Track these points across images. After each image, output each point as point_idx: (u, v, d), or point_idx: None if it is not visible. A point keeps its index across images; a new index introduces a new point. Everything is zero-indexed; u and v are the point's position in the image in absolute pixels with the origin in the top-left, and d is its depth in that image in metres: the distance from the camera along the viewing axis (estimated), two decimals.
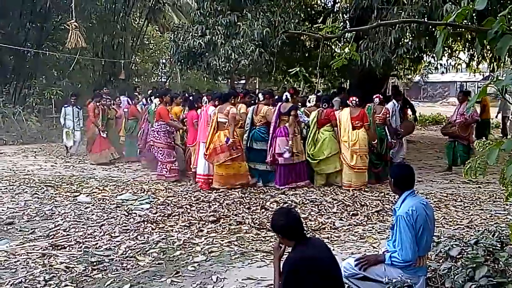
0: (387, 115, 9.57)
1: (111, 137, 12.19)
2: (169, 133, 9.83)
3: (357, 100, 8.88)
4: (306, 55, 12.60)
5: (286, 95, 9.04)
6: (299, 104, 9.93)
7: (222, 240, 5.99)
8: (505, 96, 7.86)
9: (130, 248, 5.71)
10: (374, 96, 9.55)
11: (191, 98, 10.63)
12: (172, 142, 9.90)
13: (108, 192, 8.64)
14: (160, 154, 9.69)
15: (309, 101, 9.74)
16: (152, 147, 9.82)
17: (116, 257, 5.44)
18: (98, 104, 11.99)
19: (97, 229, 6.44)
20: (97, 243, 5.89)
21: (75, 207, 7.60)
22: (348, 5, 11.64)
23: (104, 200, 8.07)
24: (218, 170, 8.64)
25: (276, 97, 9.95)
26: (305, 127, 9.18)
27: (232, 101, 8.89)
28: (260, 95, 9.48)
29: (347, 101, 9.04)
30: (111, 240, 6.00)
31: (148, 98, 12.39)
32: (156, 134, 9.71)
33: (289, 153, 8.53)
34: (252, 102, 9.99)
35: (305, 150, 8.88)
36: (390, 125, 9.73)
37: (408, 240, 3.76)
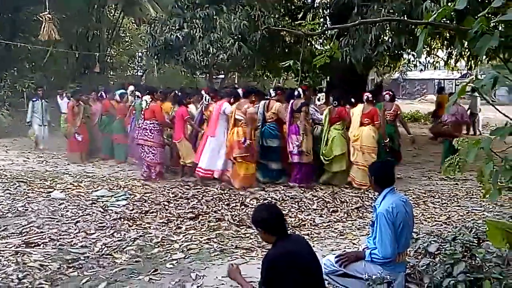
0: (398, 112, 9.55)
1: (91, 136, 11.72)
2: (162, 132, 9.53)
3: (369, 96, 8.81)
4: (286, 50, 12.57)
5: (299, 91, 8.83)
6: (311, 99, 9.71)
7: (201, 237, 5.92)
8: (475, 94, 7.98)
9: (106, 245, 5.61)
10: (385, 93, 9.49)
11: (179, 94, 10.36)
12: (165, 141, 9.64)
13: (83, 188, 8.46)
14: (152, 154, 9.28)
15: (318, 99, 9.56)
16: (142, 146, 9.40)
17: (92, 254, 5.33)
18: (77, 102, 11.49)
19: (72, 226, 6.29)
20: (72, 241, 5.76)
21: (49, 203, 7.41)
22: (328, 1, 11.65)
23: (79, 196, 7.90)
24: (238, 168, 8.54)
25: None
26: (315, 127, 9.06)
27: (253, 99, 8.78)
28: (271, 91, 9.33)
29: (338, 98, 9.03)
30: (87, 238, 5.87)
31: (133, 93, 11.95)
32: (149, 132, 9.30)
33: (298, 149, 8.43)
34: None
35: (319, 149, 8.77)
36: (403, 122, 9.76)
37: (388, 237, 3.78)
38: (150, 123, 9.32)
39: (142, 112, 9.49)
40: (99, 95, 12.32)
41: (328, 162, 8.70)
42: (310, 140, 8.63)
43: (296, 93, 8.79)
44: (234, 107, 8.60)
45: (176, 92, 11.26)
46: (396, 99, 10.21)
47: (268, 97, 9.27)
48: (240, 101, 8.64)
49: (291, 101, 8.73)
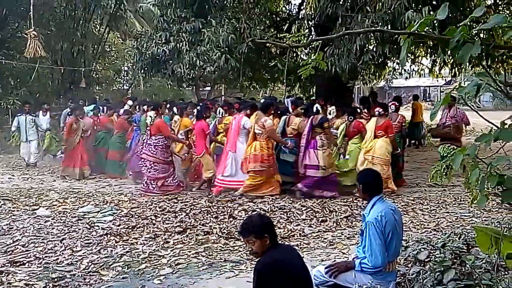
0: (403, 123, 9.60)
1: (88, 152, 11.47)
2: (167, 148, 9.33)
3: (381, 110, 8.89)
4: (272, 61, 12.61)
5: (317, 107, 8.87)
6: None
7: (189, 251, 5.86)
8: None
9: (92, 262, 5.53)
10: (390, 104, 9.51)
11: (198, 108, 10.17)
12: (170, 157, 9.43)
13: (69, 205, 8.35)
14: (153, 169, 9.13)
15: (329, 113, 9.62)
16: (144, 160, 9.25)
17: (78, 272, 5.26)
18: (76, 119, 11.18)
19: (58, 244, 6.21)
20: (58, 258, 5.69)
21: (34, 221, 7.32)
22: (313, 12, 11.74)
23: (65, 213, 7.79)
24: (249, 180, 8.54)
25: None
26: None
27: (271, 112, 8.77)
28: (288, 101, 9.37)
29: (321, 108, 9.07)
30: (73, 255, 5.79)
31: (137, 108, 11.71)
32: (153, 148, 9.16)
33: (315, 164, 8.42)
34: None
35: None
36: (405, 133, 9.82)
37: (378, 246, 3.76)
38: (155, 139, 9.19)
39: (148, 128, 9.36)
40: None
41: (341, 174, 8.77)
42: (329, 155, 8.67)
43: (314, 109, 8.84)
44: (253, 121, 8.60)
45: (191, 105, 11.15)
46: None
47: (287, 109, 9.25)
48: (258, 114, 8.64)
49: (311, 116, 8.77)
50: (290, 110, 9.30)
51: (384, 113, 8.91)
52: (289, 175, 8.85)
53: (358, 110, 9.12)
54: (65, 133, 11.21)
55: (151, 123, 9.24)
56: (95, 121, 11.89)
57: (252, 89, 16.76)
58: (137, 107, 11.60)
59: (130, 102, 12.20)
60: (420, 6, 9.17)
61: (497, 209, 7.22)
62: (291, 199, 8.31)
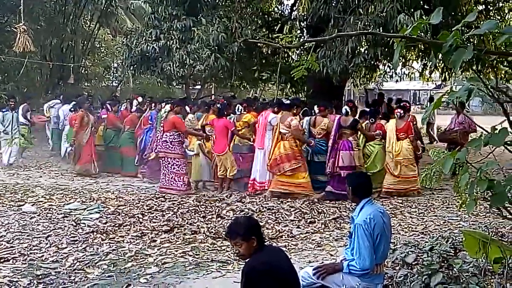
0: (414, 122, 9.64)
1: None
2: (182, 143, 9.27)
3: (401, 112, 8.97)
4: (263, 61, 12.62)
5: (346, 109, 8.95)
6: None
7: (176, 251, 5.82)
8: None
9: (78, 260, 5.48)
10: (396, 111, 9.43)
11: (219, 105, 10.10)
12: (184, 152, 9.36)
13: (55, 201, 8.26)
14: (176, 165, 9.03)
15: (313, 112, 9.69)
16: (164, 158, 9.11)
17: (64, 269, 5.21)
18: (86, 111, 10.97)
19: (43, 241, 6.15)
20: (43, 255, 5.63)
21: (20, 217, 7.23)
22: (305, 13, 11.75)
23: (51, 209, 7.71)
24: (279, 178, 8.50)
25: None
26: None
27: (295, 111, 8.76)
28: (315, 108, 9.30)
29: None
30: (58, 252, 5.74)
31: (153, 105, 11.40)
32: (170, 144, 9.04)
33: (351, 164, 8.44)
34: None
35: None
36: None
37: (366, 249, 3.76)
38: (170, 135, 9.08)
39: (161, 124, 9.28)
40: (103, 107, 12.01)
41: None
42: (361, 155, 8.75)
43: (343, 111, 8.93)
44: (278, 120, 8.58)
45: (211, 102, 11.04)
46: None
47: (313, 112, 9.28)
48: (283, 114, 8.62)
49: (338, 117, 8.83)
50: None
51: (405, 115, 9.02)
52: (323, 174, 8.85)
53: (348, 110, 9.08)
54: (77, 126, 10.78)
55: (164, 117, 9.15)
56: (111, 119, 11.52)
57: (242, 88, 16.74)
58: (153, 104, 11.30)
59: (140, 99, 12.05)
60: (412, 10, 9.21)
61: (484, 213, 7.26)
62: (280, 200, 8.30)
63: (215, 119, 9.49)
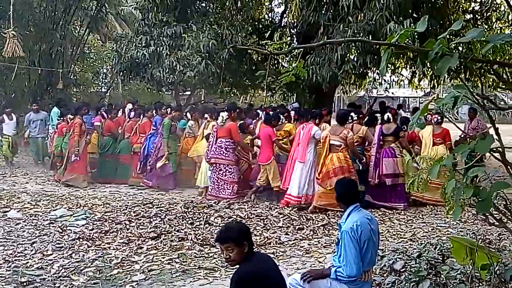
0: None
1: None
2: (235, 150, 9.15)
3: (439, 118, 8.94)
4: (253, 68, 12.63)
5: (388, 116, 8.92)
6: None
7: (163, 257, 5.77)
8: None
9: (63, 267, 5.43)
10: (432, 117, 9.37)
11: (270, 113, 9.81)
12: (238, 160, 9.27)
13: (41, 208, 8.18)
14: (228, 172, 8.92)
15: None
16: (215, 165, 8.97)
17: (49, 276, 5.16)
18: (83, 119, 10.66)
19: (28, 247, 6.10)
20: (28, 262, 5.58)
21: (5, 223, 7.18)
22: (295, 20, 11.80)
23: (37, 216, 7.64)
24: (327, 191, 8.05)
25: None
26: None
27: (347, 123, 8.56)
28: (353, 114, 9.14)
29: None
30: (43, 259, 5.69)
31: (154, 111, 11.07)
32: (224, 151, 8.92)
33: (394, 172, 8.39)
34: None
35: None
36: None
37: (353, 256, 3.74)
38: (226, 141, 8.97)
39: (214, 130, 9.15)
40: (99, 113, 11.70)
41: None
42: (403, 162, 8.70)
43: (386, 117, 8.93)
44: (327, 132, 8.40)
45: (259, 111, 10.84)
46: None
47: (350, 119, 9.06)
48: (334, 126, 8.46)
49: (380, 125, 8.81)
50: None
51: (441, 121, 9.04)
52: (361, 183, 8.42)
53: (390, 117, 9.05)
54: (76, 134, 10.27)
55: (222, 125, 9.02)
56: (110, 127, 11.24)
57: (232, 95, 16.73)
58: (156, 110, 11.04)
59: (130, 106, 11.92)
60: (401, 18, 9.28)
61: (472, 220, 7.29)
62: (268, 206, 8.26)
63: (261, 127, 9.28)
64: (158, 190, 9.89)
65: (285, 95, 13.79)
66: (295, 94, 12.18)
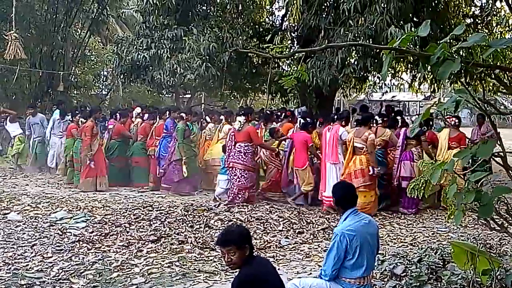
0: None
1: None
2: (254, 155, 9.12)
3: (456, 120, 8.89)
4: (254, 71, 12.62)
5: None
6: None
7: (163, 261, 5.77)
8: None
9: (63, 269, 5.43)
10: (450, 119, 9.47)
11: (308, 119, 9.63)
12: (256, 165, 9.23)
13: (41, 210, 8.17)
14: (243, 178, 8.80)
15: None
16: (232, 169, 8.90)
17: (48, 279, 5.16)
18: (96, 122, 10.62)
19: (28, 249, 6.11)
20: (28, 265, 5.59)
21: (5, 225, 7.17)
22: (296, 24, 11.80)
23: (37, 218, 7.64)
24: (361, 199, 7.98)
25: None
26: None
27: (370, 125, 8.54)
28: (377, 118, 9.19)
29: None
30: (43, 261, 5.69)
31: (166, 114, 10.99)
32: (243, 155, 8.83)
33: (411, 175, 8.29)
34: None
35: None
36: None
37: (333, 257, 3.79)
38: (245, 146, 8.89)
39: (232, 134, 9.12)
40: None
41: None
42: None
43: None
44: (351, 134, 8.43)
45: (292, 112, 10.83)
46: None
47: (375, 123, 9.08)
48: (359, 128, 8.45)
49: (404, 128, 8.81)
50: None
51: (458, 124, 8.97)
52: (380, 188, 8.60)
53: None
54: (88, 138, 10.11)
55: (239, 129, 8.98)
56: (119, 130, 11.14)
57: (232, 98, 16.73)
58: (168, 113, 10.96)
59: (138, 109, 11.88)
60: (402, 22, 9.28)
61: (473, 225, 7.28)
62: (268, 210, 8.25)
63: (296, 132, 9.27)
64: (176, 195, 9.82)
65: (284, 98, 13.79)
66: (295, 98, 12.14)
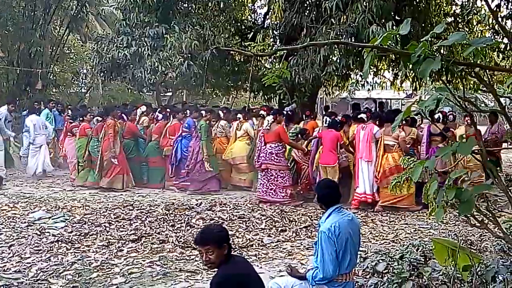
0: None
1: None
2: (285, 154, 9.09)
3: (468, 119, 8.99)
4: (236, 69, 12.60)
5: (439, 115, 8.99)
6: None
7: (144, 260, 5.70)
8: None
9: (42, 270, 5.36)
10: (465, 118, 9.47)
11: (337, 118, 9.61)
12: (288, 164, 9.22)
13: (19, 210, 8.02)
14: (281, 178, 8.85)
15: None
16: (266, 170, 8.88)
17: (27, 280, 5.09)
18: (117, 120, 10.33)
19: (6, 250, 6.00)
20: (5, 265, 5.50)
21: None
22: (278, 22, 11.82)
23: (15, 218, 7.49)
24: (385, 190, 8.12)
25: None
26: None
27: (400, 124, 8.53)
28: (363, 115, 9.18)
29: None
30: (21, 262, 5.60)
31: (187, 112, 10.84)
32: (276, 156, 8.86)
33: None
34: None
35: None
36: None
37: (329, 257, 3.74)
38: (275, 146, 8.89)
39: (262, 134, 9.07)
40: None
41: None
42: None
43: (436, 117, 8.99)
44: (383, 132, 8.48)
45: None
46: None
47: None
48: (386, 125, 8.49)
49: (428, 125, 8.87)
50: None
51: (472, 123, 9.01)
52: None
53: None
54: (110, 136, 9.97)
55: (267, 128, 8.95)
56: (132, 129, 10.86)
57: (214, 96, 16.68)
58: (188, 111, 10.83)
59: (143, 108, 11.70)
60: (384, 20, 9.34)
61: (454, 221, 7.35)
62: (251, 208, 8.22)
63: (324, 131, 9.21)
64: (200, 193, 9.68)
65: (266, 96, 13.79)
66: (284, 95, 12.13)
